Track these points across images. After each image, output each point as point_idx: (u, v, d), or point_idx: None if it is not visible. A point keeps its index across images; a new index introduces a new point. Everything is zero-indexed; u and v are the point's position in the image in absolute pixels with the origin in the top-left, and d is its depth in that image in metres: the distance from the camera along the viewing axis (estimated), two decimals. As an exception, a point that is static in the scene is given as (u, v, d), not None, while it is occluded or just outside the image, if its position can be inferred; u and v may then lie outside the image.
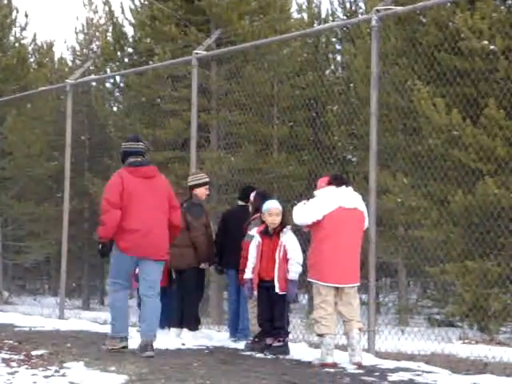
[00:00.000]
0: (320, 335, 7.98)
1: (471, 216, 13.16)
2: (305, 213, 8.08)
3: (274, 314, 8.62)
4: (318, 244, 8.05)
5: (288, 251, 8.50)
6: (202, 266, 9.77)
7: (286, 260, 8.49)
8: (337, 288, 7.99)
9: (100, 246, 8.46)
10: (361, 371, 7.56)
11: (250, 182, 15.52)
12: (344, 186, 8.15)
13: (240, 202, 10.19)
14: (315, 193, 8.26)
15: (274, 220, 8.61)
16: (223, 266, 10.12)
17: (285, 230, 8.60)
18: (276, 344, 8.61)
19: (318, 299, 7.99)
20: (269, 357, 8.45)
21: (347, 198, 8.09)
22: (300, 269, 8.49)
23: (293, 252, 8.50)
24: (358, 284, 8.14)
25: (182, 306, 9.80)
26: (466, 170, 13.11)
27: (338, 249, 7.92)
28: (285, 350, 8.59)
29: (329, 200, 8.02)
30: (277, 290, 8.49)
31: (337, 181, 8.18)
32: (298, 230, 8.74)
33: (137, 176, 8.44)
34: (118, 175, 8.48)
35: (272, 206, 8.65)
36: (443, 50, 13.80)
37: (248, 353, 8.74)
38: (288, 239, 8.56)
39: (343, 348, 8.48)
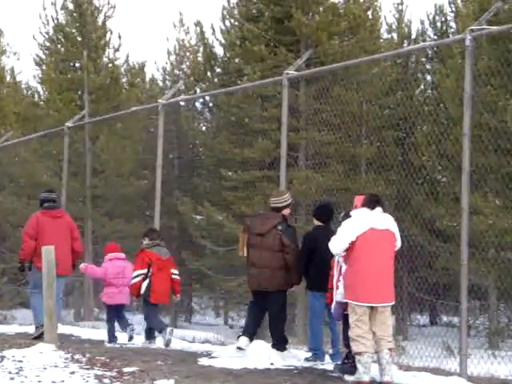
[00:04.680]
0: (358, 353, 7.98)
1: None
2: (339, 238, 8.17)
3: None
4: (351, 265, 8.13)
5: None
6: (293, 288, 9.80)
7: None
8: (371, 307, 8.02)
9: (20, 265, 11.91)
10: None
11: (338, 202, 15.43)
12: (378, 208, 8.18)
13: (318, 223, 9.83)
14: (351, 213, 8.33)
15: None
16: (312, 289, 9.88)
17: None
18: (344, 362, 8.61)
19: (354, 318, 8.05)
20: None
21: (379, 219, 8.16)
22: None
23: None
24: (393, 303, 8.15)
25: (258, 320, 9.85)
26: (561, 191, 12.82)
27: (371, 269, 8.00)
28: (344, 368, 8.49)
29: (361, 221, 8.11)
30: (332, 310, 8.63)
31: (372, 203, 8.23)
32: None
33: (47, 216, 11.82)
34: (35, 216, 11.89)
35: None
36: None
37: (337, 374, 8.66)
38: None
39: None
